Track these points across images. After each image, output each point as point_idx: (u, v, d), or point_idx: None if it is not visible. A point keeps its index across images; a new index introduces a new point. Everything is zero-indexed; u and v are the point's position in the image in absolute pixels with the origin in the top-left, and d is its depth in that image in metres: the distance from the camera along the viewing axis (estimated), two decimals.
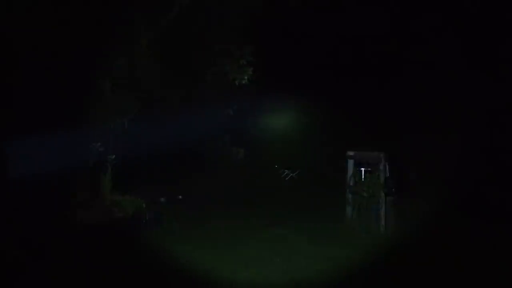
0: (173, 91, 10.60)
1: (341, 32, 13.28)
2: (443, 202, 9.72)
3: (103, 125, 9.50)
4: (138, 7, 9.23)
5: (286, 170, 13.85)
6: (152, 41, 9.67)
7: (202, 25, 10.49)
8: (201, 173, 12.55)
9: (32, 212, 8.00)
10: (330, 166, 11.89)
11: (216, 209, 10.13)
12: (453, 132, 11.74)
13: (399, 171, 9.12)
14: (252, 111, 14.70)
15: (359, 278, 6.36)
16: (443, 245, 7.52)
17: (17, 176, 8.33)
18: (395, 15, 12.65)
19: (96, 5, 8.67)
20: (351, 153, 8.95)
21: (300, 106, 14.61)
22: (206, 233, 8.36)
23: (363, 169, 8.84)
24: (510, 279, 6.25)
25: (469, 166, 10.86)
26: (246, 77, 11.51)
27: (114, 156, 9.48)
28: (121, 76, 9.61)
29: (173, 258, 7.06)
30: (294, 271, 6.63)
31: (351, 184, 8.81)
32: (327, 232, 8.42)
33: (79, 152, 9.19)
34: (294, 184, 13.25)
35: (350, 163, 8.92)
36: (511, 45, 11.51)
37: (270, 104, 14.87)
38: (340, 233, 8.37)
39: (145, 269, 6.58)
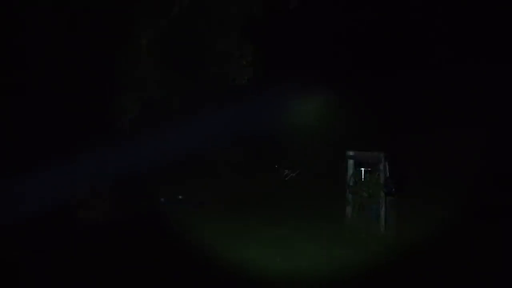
0: (173, 91, 10.62)
1: (340, 31, 13.27)
2: (443, 202, 9.73)
3: (104, 126, 9.53)
4: (138, 7, 9.25)
5: (286, 170, 13.84)
6: (152, 41, 9.68)
7: (202, 25, 10.50)
8: (201, 173, 12.55)
9: (32, 212, 8.02)
10: (330, 166, 11.89)
11: (216, 209, 10.14)
12: (453, 131, 11.73)
13: (399, 171, 9.12)
14: (252, 112, 14.69)
15: (359, 278, 6.36)
16: (444, 245, 7.51)
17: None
18: (393, 14, 12.65)
19: (95, 5, 8.69)
20: (351, 153, 8.94)
21: (300, 106, 14.59)
22: (205, 233, 8.36)
23: (363, 169, 8.83)
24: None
25: (470, 166, 10.85)
26: (246, 77, 11.53)
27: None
28: (121, 77, 9.63)
29: (172, 259, 7.05)
30: (294, 271, 6.63)
31: (351, 184, 8.81)
32: (327, 232, 8.42)
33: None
34: (294, 184, 13.24)
35: (350, 163, 8.91)
36: None
37: (270, 104, 14.86)
38: (340, 233, 8.37)
39: (145, 269, 6.58)
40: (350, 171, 8.88)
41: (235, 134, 14.54)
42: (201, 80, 11.63)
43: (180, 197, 10.74)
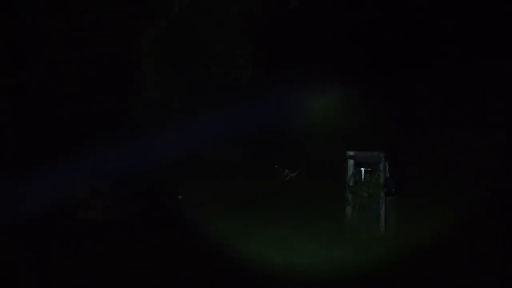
0: (173, 91, 10.63)
1: (340, 31, 13.28)
2: (443, 202, 9.73)
3: (104, 126, 9.54)
4: (138, 7, 9.26)
5: (286, 170, 13.86)
6: (152, 41, 9.70)
7: (202, 25, 10.51)
8: (201, 173, 12.56)
9: (32, 212, 8.02)
10: (330, 166, 11.89)
11: (216, 209, 10.13)
12: (454, 131, 11.73)
13: (399, 171, 9.12)
14: (252, 111, 14.70)
15: (359, 278, 6.36)
16: (444, 245, 7.51)
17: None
18: (393, 14, 12.66)
19: (96, 6, 8.70)
20: (351, 153, 8.94)
21: (300, 106, 14.60)
22: (205, 233, 8.36)
23: (363, 169, 8.83)
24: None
25: (470, 166, 10.85)
26: (246, 77, 11.54)
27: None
28: (121, 77, 9.65)
29: (172, 258, 7.05)
30: (294, 271, 6.63)
31: (351, 184, 8.80)
32: (327, 232, 8.42)
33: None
34: (294, 184, 13.25)
35: (350, 163, 8.91)
36: None
37: (269, 105, 14.86)
38: (340, 233, 8.37)
39: (145, 268, 6.58)
40: (350, 171, 8.87)
41: (235, 134, 14.56)
42: (201, 80, 11.64)
43: (180, 197, 10.74)
